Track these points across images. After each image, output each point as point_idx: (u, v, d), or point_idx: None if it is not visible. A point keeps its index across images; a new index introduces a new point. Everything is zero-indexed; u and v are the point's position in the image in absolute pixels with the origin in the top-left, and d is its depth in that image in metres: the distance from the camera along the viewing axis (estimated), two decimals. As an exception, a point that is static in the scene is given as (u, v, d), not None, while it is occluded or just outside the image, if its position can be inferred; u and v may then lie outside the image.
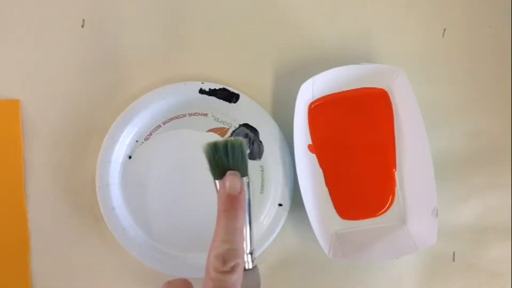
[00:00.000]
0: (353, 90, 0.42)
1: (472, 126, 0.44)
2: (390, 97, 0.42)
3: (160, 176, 0.42)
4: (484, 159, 0.44)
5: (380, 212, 0.42)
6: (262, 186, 0.42)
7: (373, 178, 0.42)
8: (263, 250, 0.41)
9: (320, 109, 0.42)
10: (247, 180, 0.32)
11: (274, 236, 0.41)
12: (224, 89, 0.41)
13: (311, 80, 0.39)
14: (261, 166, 0.42)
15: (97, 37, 0.42)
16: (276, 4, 0.43)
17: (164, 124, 0.42)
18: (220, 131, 0.42)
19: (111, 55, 0.42)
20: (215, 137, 0.42)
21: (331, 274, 0.43)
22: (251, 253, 0.32)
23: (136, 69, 0.42)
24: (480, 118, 0.44)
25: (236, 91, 0.41)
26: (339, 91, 0.42)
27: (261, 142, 0.42)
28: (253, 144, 0.42)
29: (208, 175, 0.41)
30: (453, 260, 0.44)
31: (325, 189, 0.42)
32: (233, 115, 0.42)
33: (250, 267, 0.32)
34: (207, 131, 0.42)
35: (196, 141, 0.42)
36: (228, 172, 0.31)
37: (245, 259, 0.31)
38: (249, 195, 0.32)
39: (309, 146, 0.42)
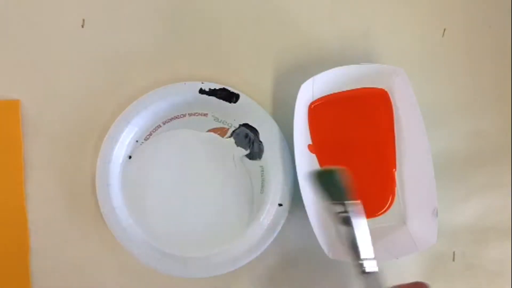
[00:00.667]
0: (353, 90, 0.42)
1: (472, 126, 0.44)
2: (390, 97, 0.42)
3: (160, 176, 0.42)
4: (484, 159, 0.44)
5: (380, 212, 0.42)
6: (262, 186, 0.42)
7: (373, 178, 0.42)
8: (263, 250, 0.41)
9: (320, 109, 0.42)
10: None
11: (274, 236, 0.41)
12: (224, 89, 0.41)
13: (311, 80, 0.39)
14: (261, 166, 0.42)
15: (97, 37, 0.42)
16: (276, 4, 0.43)
17: (164, 124, 0.42)
18: (220, 131, 0.42)
19: (111, 55, 0.42)
20: (215, 137, 0.42)
21: (331, 274, 0.43)
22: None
23: (136, 69, 0.42)
24: (480, 118, 0.44)
25: (236, 91, 0.41)
26: (339, 91, 0.42)
27: (261, 142, 0.42)
28: (253, 144, 0.42)
29: (209, 174, 0.41)
30: (453, 260, 0.44)
31: (325, 189, 0.42)
32: (233, 115, 0.42)
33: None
34: (207, 131, 0.42)
35: (196, 141, 0.42)
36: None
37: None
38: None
39: (309, 146, 0.42)
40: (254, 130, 0.42)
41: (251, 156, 0.42)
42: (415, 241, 0.40)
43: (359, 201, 0.36)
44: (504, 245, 0.44)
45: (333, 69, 0.39)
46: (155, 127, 0.42)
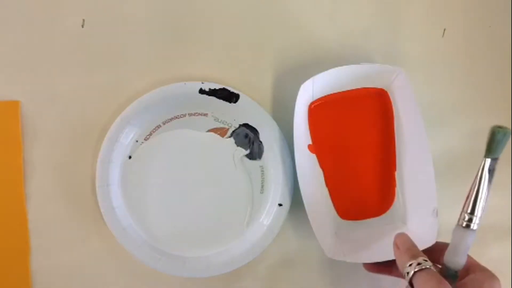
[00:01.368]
0: (353, 90, 0.42)
1: (472, 126, 0.44)
2: (390, 97, 0.42)
3: (160, 176, 0.42)
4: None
5: (380, 212, 0.42)
6: (262, 186, 0.42)
7: (373, 178, 0.42)
8: (263, 250, 0.41)
9: (320, 109, 0.42)
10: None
11: (274, 236, 0.41)
12: (224, 89, 0.41)
13: (311, 80, 0.39)
14: (261, 166, 0.42)
15: (97, 37, 0.42)
16: (276, 4, 0.43)
17: (164, 124, 0.42)
18: (220, 131, 0.42)
19: (111, 55, 0.42)
20: (215, 137, 0.42)
21: (331, 274, 0.43)
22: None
23: (136, 69, 0.42)
24: (480, 118, 0.44)
25: (236, 91, 0.41)
26: (339, 91, 0.42)
27: (261, 142, 0.42)
28: (253, 144, 0.42)
29: (209, 174, 0.41)
30: (453, 260, 0.44)
31: (325, 189, 0.42)
32: (233, 115, 0.42)
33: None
34: (207, 131, 0.42)
35: (196, 141, 0.42)
36: None
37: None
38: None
39: (309, 146, 0.42)
40: (254, 130, 0.42)
41: (251, 156, 0.42)
42: (415, 241, 0.40)
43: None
44: (504, 245, 0.44)
45: (333, 69, 0.39)
46: (155, 127, 0.42)
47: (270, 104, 0.43)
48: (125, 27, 0.42)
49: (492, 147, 0.36)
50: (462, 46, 0.44)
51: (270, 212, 0.42)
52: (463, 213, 0.35)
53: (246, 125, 0.42)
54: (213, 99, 0.41)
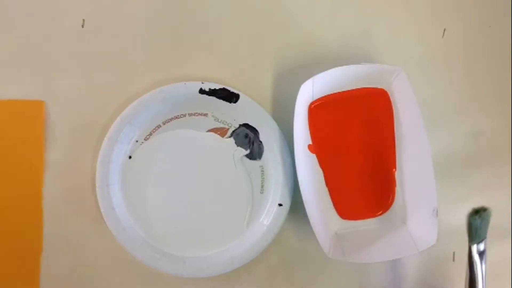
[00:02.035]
0: (353, 90, 0.42)
1: (472, 126, 0.44)
2: (390, 97, 0.42)
3: (160, 176, 0.42)
4: (484, 159, 0.44)
5: (380, 212, 0.42)
6: (262, 186, 0.42)
7: (373, 178, 0.42)
8: (263, 250, 0.41)
9: (320, 109, 0.42)
10: None
11: (274, 236, 0.41)
12: (224, 89, 0.41)
13: (311, 80, 0.39)
14: (261, 166, 0.42)
15: (97, 37, 0.42)
16: (276, 4, 0.43)
17: (164, 124, 0.42)
18: (220, 131, 0.42)
19: (111, 55, 0.42)
20: (215, 137, 0.42)
21: (331, 274, 0.43)
22: None
23: (136, 69, 0.42)
24: (480, 118, 0.44)
25: (236, 91, 0.41)
26: (339, 91, 0.42)
27: (261, 142, 0.42)
28: (253, 144, 0.42)
29: (209, 174, 0.41)
30: (453, 260, 0.44)
31: (325, 189, 0.42)
32: (233, 115, 0.42)
33: None
34: (207, 131, 0.42)
35: (196, 141, 0.42)
36: None
37: None
38: None
39: (309, 146, 0.42)
40: (254, 130, 0.42)
41: (251, 156, 0.42)
42: (415, 241, 0.40)
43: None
44: (504, 245, 0.44)
45: (333, 69, 0.39)
46: (155, 127, 0.42)
47: (270, 104, 0.43)
48: (125, 27, 0.42)
49: (473, 235, 0.37)
50: (462, 46, 0.44)
51: (270, 212, 0.42)
52: None
53: (246, 125, 0.42)
54: (213, 99, 0.41)
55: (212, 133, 0.42)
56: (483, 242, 0.37)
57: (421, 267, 0.43)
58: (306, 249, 0.43)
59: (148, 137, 0.42)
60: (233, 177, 0.42)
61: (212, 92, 0.41)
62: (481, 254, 0.37)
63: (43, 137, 0.41)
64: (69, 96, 0.42)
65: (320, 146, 0.42)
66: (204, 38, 0.43)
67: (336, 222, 0.42)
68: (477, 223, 0.37)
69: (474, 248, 0.37)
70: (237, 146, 0.42)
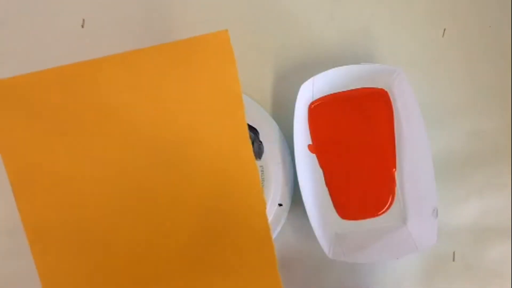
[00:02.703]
0: (353, 90, 0.42)
1: (472, 126, 0.44)
2: (390, 97, 0.42)
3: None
4: (484, 159, 0.44)
5: (380, 212, 0.42)
6: (262, 186, 0.42)
7: (373, 178, 0.42)
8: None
9: (320, 109, 0.42)
10: None
11: (274, 236, 0.41)
12: (224, 89, 0.41)
13: (311, 80, 0.39)
14: (261, 166, 0.42)
15: (97, 37, 0.42)
16: (276, 4, 0.43)
17: (164, 124, 0.42)
18: (220, 131, 0.42)
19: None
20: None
21: (331, 274, 0.43)
22: None
23: (136, 69, 0.42)
24: (480, 118, 0.44)
25: (236, 91, 0.41)
26: (339, 91, 0.42)
27: (261, 142, 0.42)
28: (253, 144, 0.42)
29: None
30: (453, 260, 0.44)
31: (325, 189, 0.42)
32: (233, 115, 0.42)
33: None
34: (207, 131, 0.42)
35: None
36: None
37: None
38: None
39: (309, 146, 0.42)
40: (254, 130, 0.42)
41: (251, 156, 0.42)
42: (415, 241, 0.40)
43: None
44: (504, 245, 0.44)
45: (333, 69, 0.39)
46: (155, 127, 0.42)
47: (270, 104, 0.43)
48: (125, 27, 0.42)
49: None
50: (462, 46, 0.44)
51: (270, 212, 0.42)
52: None
53: (246, 125, 0.42)
54: (213, 99, 0.41)
55: (212, 133, 0.42)
56: None
57: (421, 267, 0.43)
58: (306, 249, 0.43)
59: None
60: (233, 177, 0.42)
61: (212, 92, 0.41)
62: None
63: (236, 68, 0.34)
64: (69, 96, 0.42)
65: (320, 146, 0.42)
66: (204, 38, 0.43)
67: (336, 222, 0.42)
68: None
69: None
70: (237, 146, 0.42)
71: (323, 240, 0.39)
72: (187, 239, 0.34)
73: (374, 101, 0.42)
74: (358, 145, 0.42)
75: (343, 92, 0.42)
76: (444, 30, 0.44)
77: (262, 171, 0.42)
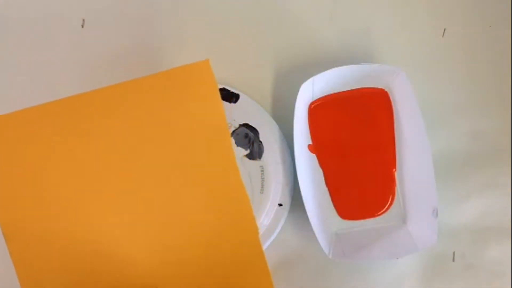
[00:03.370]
0: (353, 90, 0.42)
1: (472, 126, 0.44)
2: (390, 97, 0.42)
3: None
4: (484, 159, 0.44)
5: (380, 212, 0.42)
6: (262, 186, 0.42)
7: (373, 178, 0.42)
8: (263, 250, 0.41)
9: (320, 109, 0.42)
10: None
11: (274, 236, 0.41)
12: (224, 89, 0.41)
13: (311, 80, 0.39)
14: (261, 166, 0.42)
15: (97, 37, 0.42)
16: (276, 4, 0.43)
17: (164, 124, 0.42)
18: (220, 131, 0.42)
19: (111, 55, 0.42)
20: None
21: (331, 274, 0.43)
22: None
23: (136, 70, 0.42)
24: (480, 118, 0.44)
25: (236, 91, 0.41)
26: (339, 91, 0.42)
27: (261, 142, 0.42)
28: (253, 144, 0.42)
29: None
30: (453, 260, 0.44)
31: (325, 189, 0.42)
32: (233, 115, 0.42)
33: None
34: (207, 131, 0.42)
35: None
36: None
37: None
38: None
39: (309, 146, 0.42)
40: (254, 130, 0.42)
41: (251, 156, 0.42)
42: (415, 241, 0.40)
43: None
44: (504, 245, 0.44)
45: (333, 69, 0.39)
46: (155, 127, 0.42)
47: (270, 104, 0.43)
48: (125, 27, 0.42)
49: None
50: (462, 46, 0.44)
51: (270, 212, 0.42)
52: None
53: (246, 125, 0.42)
54: (213, 99, 0.41)
55: (212, 133, 0.42)
56: None
57: (421, 267, 0.43)
58: (306, 249, 0.43)
59: (148, 137, 0.42)
60: (233, 177, 0.42)
61: (212, 92, 0.41)
62: None
63: (219, 96, 0.34)
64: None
65: (320, 146, 0.42)
66: (204, 38, 0.43)
67: (336, 222, 0.42)
68: None
69: None
70: (237, 146, 0.42)
71: (323, 240, 0.39)
72: (175, 264, 0.35)
73: (374, 101, 0.42)
74: (358, 145, 0.42)
75: (343, 92, 0.42)
76: (444, 30, 0.44)
77: (262, 171, 0.42)
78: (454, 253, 0.44)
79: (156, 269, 0.34)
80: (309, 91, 0.41)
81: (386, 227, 0.42)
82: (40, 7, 0.42)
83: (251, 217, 0.35)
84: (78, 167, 0.34)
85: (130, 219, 0.34)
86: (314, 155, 0.42)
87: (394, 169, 0.42)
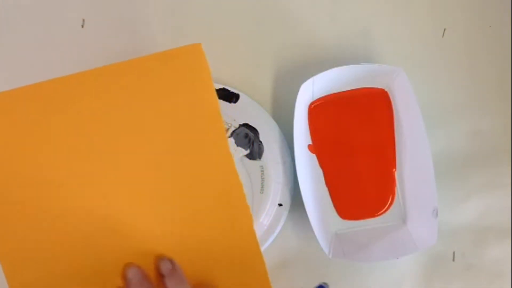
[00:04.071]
0: (353, 90, 0.42)
1: (472, 126, 0.44)
2: (390, 97, 0.42)
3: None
4: (484, 159, 0.44)
5: (380, 212, 0.42)
6: (262, 186, 0.42)
7: (373, 178, 0.42)
8: (263, 250, 0.41)
9: (320, 109, 0.42)
10: None
11: (274, 236, 0.41)
12: (224, 89, 0.41)
13: (311, 80, 0.39)
14: (261, 166, 0.42)
15: (97, 37, 0.42)
16: (276, 4, 0.43)
17: (164, 124, 0.42)
18: (220, 131, 0.42)
19: (111, 55, 0.42)
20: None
21: (331, 274, 0.43)
22: None
23: (136, 69, 0.42)
24: (480, 118, 0.44)
25: (236, 91, 0.41)
26: (339, 91, 0.42)
27: (261, 142, 0.42)
28: (253, 144, 0.42)
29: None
30: (453, 260, 0.44)
31: (325, 189, 0.42)
32: (233, 115, 0.42)
33: None
34: (207, 131, 0.42)
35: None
36: None
37: None
38: None
39: (309, 146, 0.42)
40: (254, 130, 0.42)
41: (251, 156, 0.42)
42: (415, 241, 0.40)
43: None
44: (504, 245, 0.44)
45: (333, 69, 0.39)
46: (155, 127, 0.42)
47: (270, 104, 0.43)
48: (125, 27, 0.42)
49: None
50: (462, 46, 0.44)
51: (270, 212, 0.42)
52: None
53: (246, 125, 0.42)
54: (213, 99, 0.41)
55: (212, 133, 0.42)
56: None
57: (421, 267, 0.43)
58: (306, 249, 0.43)
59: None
60: (233, 177, 0.42)
61: (212, 92, 0.41)
62: None
63: (211, 79, 0.34)
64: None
65: (320, 146, 0.42)
66: (204, 38, 0.43)
67: (336, 222, 0.42)
68: None
69: None
70: (237, 146, 0.42)
71: (323, 240, 0.39)
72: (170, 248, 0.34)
73: (374, 101, 0.42)
74: (358, 145, 0.42)
75: (343, 92, 0.42)
76: (444, 30, 0.44)
77: (262, 171, 0.42)
78: (454, 253, 0.44)
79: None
80: (309, 91, 0.41)
81: (386, 227, 0.42)
82: (40, 7, 0.42)
83: (243, 197, 0.34)
84: (70, 145, 0.33)
85: (119, 210, 0.33)
86: (314, 155, 0.42)
87: (394, 169, 0.42)
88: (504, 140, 0.44)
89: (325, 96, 0.42)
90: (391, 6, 0.44)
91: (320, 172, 0.42)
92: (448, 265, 0.44)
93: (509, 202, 0.44)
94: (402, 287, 0.43)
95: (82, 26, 0.42)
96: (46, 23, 0.42)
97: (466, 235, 0.44)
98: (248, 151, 0.42)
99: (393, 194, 0.42)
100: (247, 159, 0.42)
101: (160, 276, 0.32)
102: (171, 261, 0.32)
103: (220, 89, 0.41)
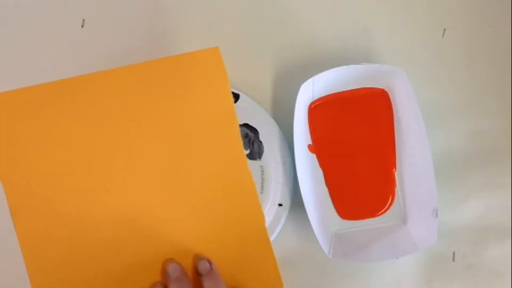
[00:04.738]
0: (353, 90, 0.42)
1: (472, 126, 0.44)
2: (390, 97, 0.42)
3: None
4: (484, 159, 0.44)
5: (380, 212, 0.42)
6: (262, 186, 0.42)
7: (373, 178, 0.42)
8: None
9: (320, 109, 0.42)
10: None
11: (274, 236, 0.41)
12: (224, 89, 0.41)
13: (311, 80, 0.39)
14: (261, 166, 0.42)
15: (97, 37, 0.42)
16: (276, 4, 0.43)
17: (164, 124, 0.42)
18: (220, 131, 0.42)
19: (111, 55, 0.42)
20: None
21: (331, 274, 0.43)
22: None
23: (136, 69, 0.42)
24: (480, 118, 0.44)
25: (236, 91, 0.41)
26: (339, 91, 0.42)
27: (261, 142, 0.42)
28: (253, 144, 0.42)
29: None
30: (453, 260, 0.44)
31: (325, 189, 0.42)
32: (233, 115, 0.42)
33: None
34: (207, 131, 0.42)
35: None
36: None
37: None
38: None
39: (309, 146, 0.42)
40: (254, 130, 0.42)
41: (251, 156, 0.42)
42: (415, 241, 0.40)
43: None
44: (504, 245, 0.44)
45: (333, 69, 0.39)
46: (155, 127, 0.42)
47: (270, 104, 0.43)
48: (125, 27, 0.42)
49: None
50: (462, 46, 0.44)
51: (270, 212, 0.42)
52: None
53: (246, 125, 0.42)
54: (213, 99, 0.41)
55: (212, 133, 0.42)
56: None
57: (421, 267, 0.43)
58: (306, 249, 0.43)
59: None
60: (233, 177, 0.42)
61: (212, 92, 0.41)
62: None
63: (228, 81, 0.34)
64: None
65: (320, 146, 0.42)
66: (204, 38, 0.43)
67: (336, 222, 0.42)
68: None
69: None
70: (237, 146, 0.42)
71: (323, 240, 0.39)
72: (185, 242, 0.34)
73: (374, 101, 0.42)
74: (358, 145, 0.42)
75: (343, 92, 0.42)
76: (444, 30, 0.44)
77: (262, 171, 0.42)
78: (454, 253, 0.44)
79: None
80: (309, 91, 0.41)
81: (386, 227, 0.42)
82: (40, 7, 0.42)
83: (256, 198, 0.35)
84: (90, 148, 0.33)
85: (133, 211, 0.34)
86: (314, 155, 0.42)
87: (394, 169, 0.42)
88: (504, 140, 0.44)
89: (325, 96, 0.42)
90: (391, 6, 0.44)
91: (320, 172, 0.42)
92: (448, 265, 0.44)
93: (509, 202, 0.44)
94: (402, 287, 0.43)
95: (82, 26, 0.42)
96: (46, 23, 0.42)
97: (466, 235, 0.44)
98: (248, 151, 0.42)
99: (393, 194, 0.42)
100: (247, 159, 0.42)
101: (197, 275, 0.32)
102: (209, 261, 0.33)
103: (220, 89, 0.41)
